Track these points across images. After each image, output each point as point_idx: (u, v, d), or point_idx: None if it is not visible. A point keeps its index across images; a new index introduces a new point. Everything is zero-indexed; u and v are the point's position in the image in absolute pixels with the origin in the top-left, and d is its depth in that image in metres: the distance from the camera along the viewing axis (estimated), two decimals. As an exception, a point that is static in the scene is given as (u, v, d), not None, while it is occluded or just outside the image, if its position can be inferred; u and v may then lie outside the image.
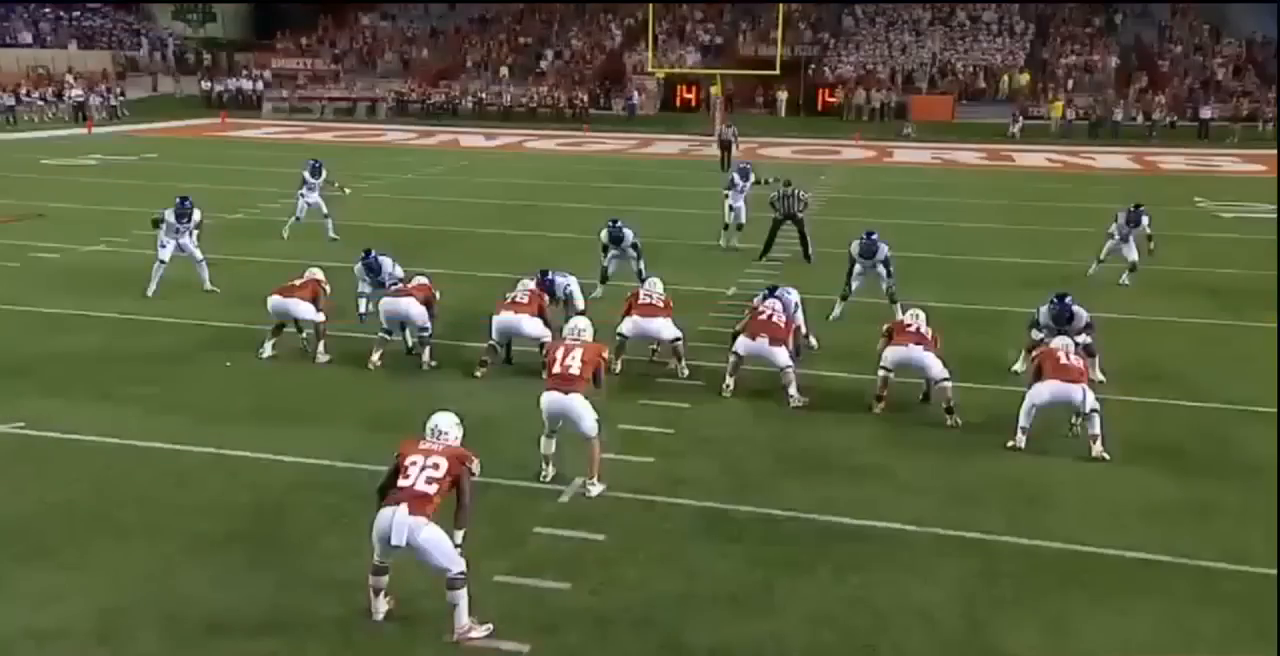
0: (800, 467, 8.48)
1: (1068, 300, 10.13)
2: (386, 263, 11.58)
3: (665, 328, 10.70)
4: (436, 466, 6.09)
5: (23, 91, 40.19)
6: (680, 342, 10.74)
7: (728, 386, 10.18)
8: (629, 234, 13.62)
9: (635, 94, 45.60)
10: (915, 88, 44.97)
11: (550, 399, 7.86)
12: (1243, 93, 42.30)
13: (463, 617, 5.90)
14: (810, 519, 7.51)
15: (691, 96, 46.81)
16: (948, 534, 7.30)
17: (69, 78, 43.49)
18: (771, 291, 10.88)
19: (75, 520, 7.39)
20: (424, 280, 11.44)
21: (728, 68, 43.36)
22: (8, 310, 12.89)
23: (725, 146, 28.77)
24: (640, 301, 10.85)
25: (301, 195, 17.76)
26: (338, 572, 6.67)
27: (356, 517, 7.37)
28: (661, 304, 10.82)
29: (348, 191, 18.71)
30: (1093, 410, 8.63)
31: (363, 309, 11.69)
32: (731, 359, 10.19)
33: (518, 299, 10.71)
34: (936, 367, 9.58)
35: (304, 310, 11.01)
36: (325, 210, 17.79)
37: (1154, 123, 39.30)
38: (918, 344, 9.65)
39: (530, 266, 14.77)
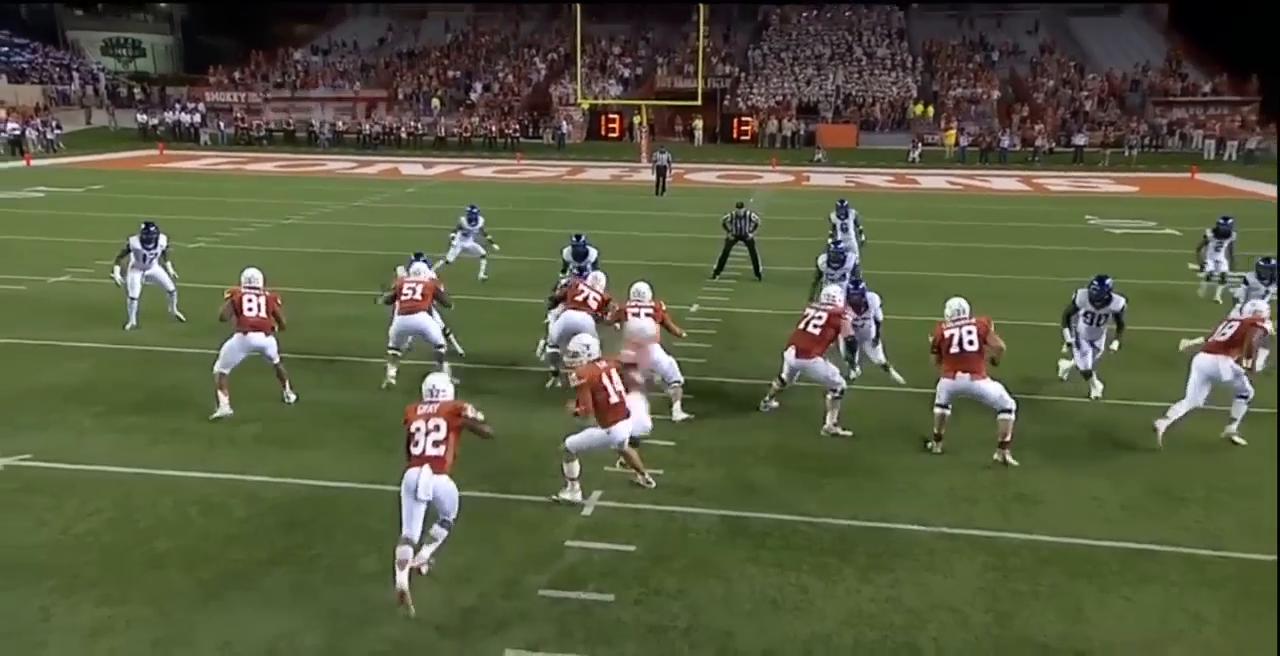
0: (801, 474, 8.42)
1: (1108, 282, 10.08)
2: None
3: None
4: (438, 428, 6.45)
5: (-45, 126, 38.44)
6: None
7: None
8: (594, 252, 13.09)
9: (563, 124, 45.52)
10: (821, 117, 45.74)
11: (610, 433, 7.60)
12: (1108, 122, 44.06)
13: (430, 552, 6.53)
14: (824, 522, 7.46)
15: (615, 126, 46.93)
16: (954, 532, 7.32)
17: (0, 112, 41.62)
18: (855, 285, 10.58)
19: (107, 551, 6.99)
20: (430, 274, 11.02)
21: (647, 99, 43.61)
22: (-9, 343, 12.22)
23: (660, 172, 28.77)
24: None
25: (453, 239, 16.16)
26: (383, 594, 6.38)
27: (388, 539, 7.15)
28: (653, 313, 10.02)
29: (497, 248, 16.85)
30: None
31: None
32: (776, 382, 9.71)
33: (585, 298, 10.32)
34: (994, 394, 8.50)
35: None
36: (482, 251, 16.31)
37: (1035, 149, 40.61)
38: (965, 371, 8.51)
39: (500, 288, 14.57)
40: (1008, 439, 8.52)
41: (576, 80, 41.67)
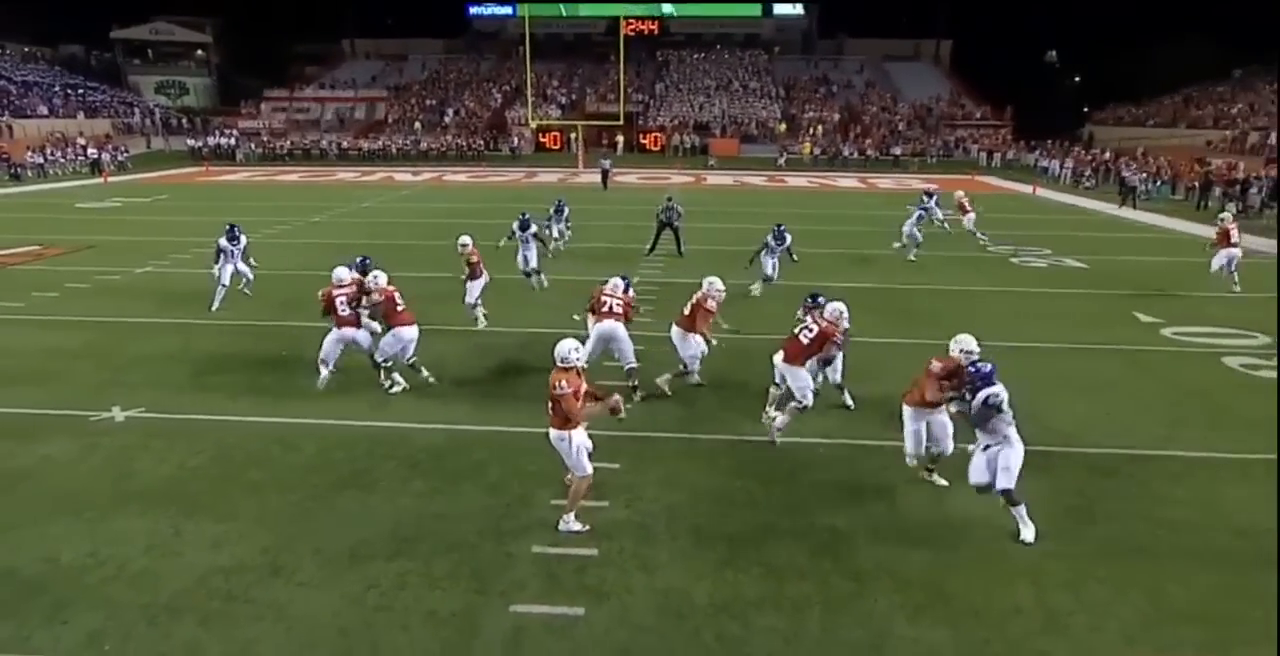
0: (738, 403, 8.22)
1: (986, 369, 5.76)
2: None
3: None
4: (618, 302, 8.36)
5: (47, 152, 35.59)
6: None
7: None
8: (534, 225, 13.01)
9: (516, 140, 44.43)
10: (712, 133, 45.36)
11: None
12: (915, 138, 44.67)
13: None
14: (759, 440, 7.42)
15: (557, 141, 45.80)
16: (853, 442, 7.35)
17: (80, 140, 38.88)
18: (814, 298, 7.95)
19: (214, 481, 6.66)
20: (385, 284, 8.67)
21: (581, 119, 42.67)
22: (100, 321, 11.42)
23: (605, 174, 28.46)
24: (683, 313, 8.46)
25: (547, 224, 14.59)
26: (432, 508, 6.26)
27: (431, 465, 6.96)
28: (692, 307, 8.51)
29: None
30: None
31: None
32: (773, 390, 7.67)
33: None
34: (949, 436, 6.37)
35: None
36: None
37: (867, 157, 40.90)
38: (922, 404, 6.22)
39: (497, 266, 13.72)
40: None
41: (527, 106, 40.59)
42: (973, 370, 5.80)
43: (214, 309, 11.88)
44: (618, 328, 8.34)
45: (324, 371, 8.60)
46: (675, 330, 8.48)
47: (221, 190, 30.36)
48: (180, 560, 5.50)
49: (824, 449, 7.28)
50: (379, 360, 8.58)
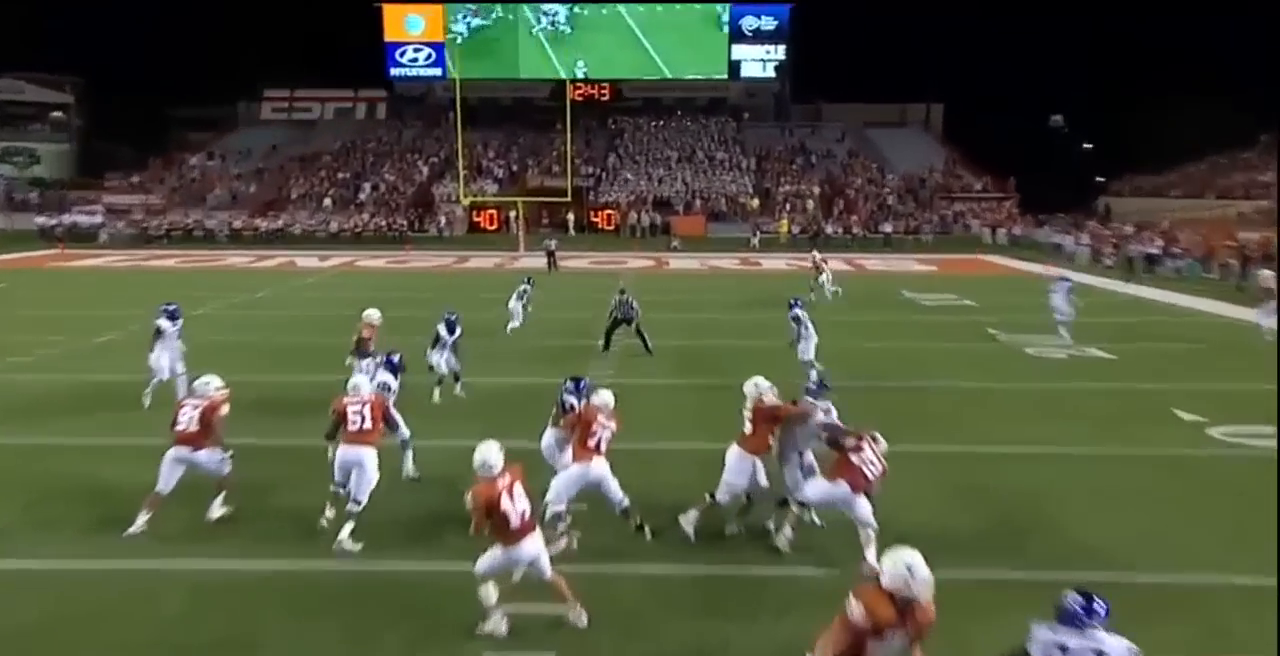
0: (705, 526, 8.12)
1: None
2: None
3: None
4: (609, 436, 7.86)
5: None
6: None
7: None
8: (459, 328, 13.17)
9: (445, 219, 45.33)
10: (674, 210, 46.78)
11: (520, 552, 6.29)
12: (907, 214, 46.69)
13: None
14: (713, 572, 7.36)
15: (493, 221, 46.75)
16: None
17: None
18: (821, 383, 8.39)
19: (50, 648, 6.28)
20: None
21: (520, 195, 43.82)
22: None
23: (550, 255, 30.08)
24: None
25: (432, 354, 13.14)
26: (331, 666, 5.99)
27: (335, 617, 6.69)
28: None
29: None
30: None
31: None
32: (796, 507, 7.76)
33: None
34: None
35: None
36: (458, 367, 13.33)
37: (853, 236, 42.56)
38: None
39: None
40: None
41: (459, 180, 41.63)
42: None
43: (147, 405, 12.09)
44: (606, 469, 7.77)
45: (141, 518, 8.04)
46: (734, 450, 7.99)
47: (78, 277, 30.06)
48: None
49: (810, 582, 7.18)
50: (332, 485, 8.17)
